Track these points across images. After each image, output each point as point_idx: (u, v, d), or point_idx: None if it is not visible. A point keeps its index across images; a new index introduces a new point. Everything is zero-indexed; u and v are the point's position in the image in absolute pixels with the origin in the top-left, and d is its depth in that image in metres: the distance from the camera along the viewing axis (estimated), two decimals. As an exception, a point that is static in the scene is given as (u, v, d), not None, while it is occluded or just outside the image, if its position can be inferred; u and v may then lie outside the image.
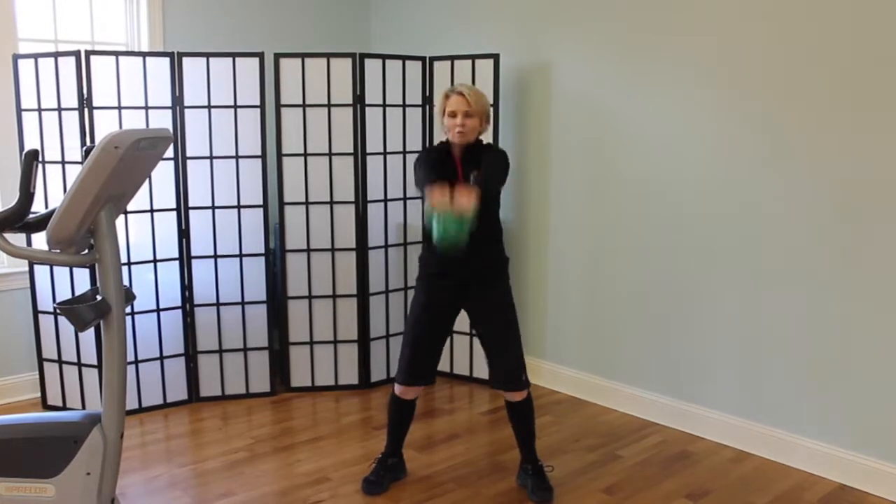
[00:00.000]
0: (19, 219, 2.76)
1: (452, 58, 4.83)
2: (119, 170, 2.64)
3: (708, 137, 4.03)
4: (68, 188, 2.65)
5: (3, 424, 3.08)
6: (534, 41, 4.79)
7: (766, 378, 3.94)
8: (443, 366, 5.13)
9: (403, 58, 4.83)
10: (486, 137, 4.61)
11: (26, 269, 4.57)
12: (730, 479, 3.76)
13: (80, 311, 2.74)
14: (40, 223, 2.99)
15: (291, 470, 3.85)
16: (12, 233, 2.88)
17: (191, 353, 4.68)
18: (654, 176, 4.27)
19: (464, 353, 5.04)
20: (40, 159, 3.15)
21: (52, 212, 2.89)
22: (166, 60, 4.45)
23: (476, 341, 4.96)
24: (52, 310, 4.50)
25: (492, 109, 3.24)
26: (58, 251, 2.78)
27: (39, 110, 4.37)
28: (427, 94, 4.93)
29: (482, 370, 4.98)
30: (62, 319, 4.47)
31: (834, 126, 3.57)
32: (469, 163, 3.40)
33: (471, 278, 3.49)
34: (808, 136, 3.66)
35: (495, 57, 4.70)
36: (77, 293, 4.34)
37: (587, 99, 4.53)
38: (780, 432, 3.91)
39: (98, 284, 2.85)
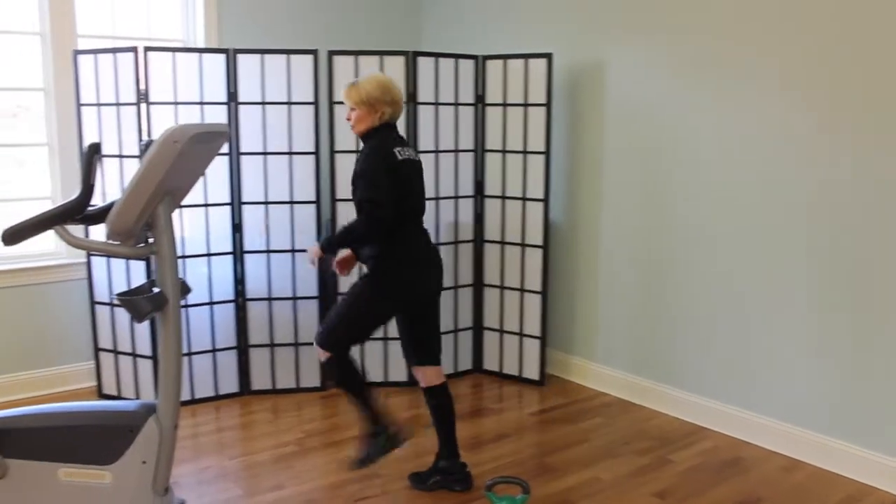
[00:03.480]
0: (80, 211, 2.81)
1: (505, 57, 4.82)
2: (177, 164, 2.67)
3: (765, 141, 3.96)
4: (129, 181, 2.68)
5: (63, 412, 3.15)
6: (587, 40, 4.75)
7: (821, 385, 3.86)
8: (491, 364, 5.12)
9: (456, 56, 4.83)
10: (537, 137, 4.60)
11: (84, 260, 4.65)
12: (783, 487, 3.69)
13: (138, 302, 2.78)
14: (99, 215, 3.04)
15: (340, 465, 3.87)
16: (73, 224, 2.93)
17: (243, 347, 4.72)
18: (708, 179, 4.22)
19: (513, 352, 5.03)
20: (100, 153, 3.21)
21: (111, 204, 2.94)
22: (222, 57, 4.50)
23: (535, 342, 4.95)
24: (108, 301, 4.58)
25: (386, 99, 3.39)
26: (117, 243, 2.83)
27: (98, 105, 4.45)
28: (479, 93, 4.92)
29: (532, 370, 4.95)
30: (118, 310, 4.55)
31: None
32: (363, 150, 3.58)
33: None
34: (865, 138, 3.58)
35: (548, 56, 4.67)
36: (132, 285, 4.42)
37: (641, 100, 4.49)
38: (834, 441, 3.84)
39: (155, 277, 2.89)
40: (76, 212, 2.81)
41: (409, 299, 3.55)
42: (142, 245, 2.87)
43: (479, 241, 5.06)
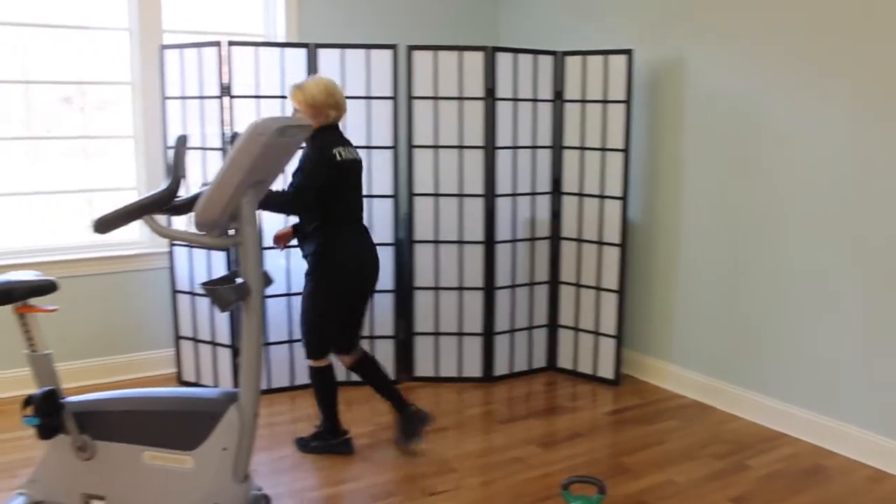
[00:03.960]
0: (168, 201, 2.87)
1: (584, 53, 4.77)
2: (262, 156, 2.71)
3: (853, 139, 3.84)
4: (216, 173, 2.73)
5: (148, 397, 3.23)
6: (667, 36, 4.67)
7: (911, 391, 3.74)
8: (565, 363, 5.09)
9: (535, 52, 4.80)
10: (616, 134, 4.54)
11: (166, 250, 4.76)
12: (868, 499, 3.57)
13: (222, 292, 2.83)
14: (186, 206, 3.10)
15: (415, 458, 3.88)
16: (160, 215, 3.00)
17: (318, 338, 4.77)
18: (794, 178, 4.11)
19: (588, 350, 4.98)
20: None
21: (197, 195, 3.00)
22: (303, 51, 4.55)
23: (611, 341, 4.90)
24: (189, 290, 4.67)
25: (329, 101, 3.58)
26: (202, 233, 2.88)
27: (182, 98, 4.54)
28: (558, 89, 4.88)
29: (607, 369, 4.90)
30: (198, 299, 4.64)
31: None
32: (307, 148, 3.78)
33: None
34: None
35: (629, 53, 4.61)
36: (213, 275, 4.51)
37: (724, 97, 4.40)
38: (924, 449, 3.72)
39: (238, 267, 2.93)
40: (165, 202, 2.87)
41: (353, 273, 3.80)
42: (226, 236, 2.93)
43: (555, 238, 5.02)
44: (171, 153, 2.93)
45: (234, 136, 3.03)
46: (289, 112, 4.49)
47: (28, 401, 3.18)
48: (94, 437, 3.19)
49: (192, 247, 4.60)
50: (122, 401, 3.26)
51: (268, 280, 3.04)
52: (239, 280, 2.89)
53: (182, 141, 2.87)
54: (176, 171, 2.86)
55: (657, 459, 3.92)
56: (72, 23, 4.65)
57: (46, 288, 3.19)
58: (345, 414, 4.40)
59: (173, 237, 2.97)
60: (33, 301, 3.20)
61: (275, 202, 3.61)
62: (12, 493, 3.37)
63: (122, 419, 3.19)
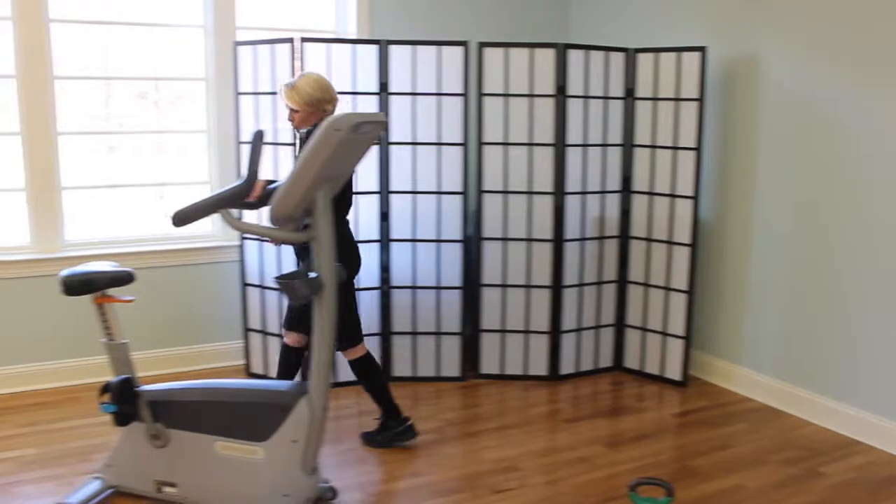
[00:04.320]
0: (245, 195, 2.92)
1: (657, 50, 4.71)
2: (338, 152, 2.74)
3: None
4: (292, 168, 2.77)
5: (221, 388, 3.29)
6: (742, 32, 4.58)
7: None
8: (632, 363, 5.04)
9: (606, 49, 4.76)
10: (688, 132, 4.47)
11: (237, 243, 4.83)
12: (947, 508, 3.48)
13: (296, 286, 2.86)
14: (260, 200, 3.15)
15: (480, 456, 3.88)
16: (236, 208, 3.05)
17: (385, 333, 4.80)
18: (871, 178, 4.00)
19: (655, 351, 4.92)
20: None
21: (272, 190, 3.04)
22: (374, 48, 4.58)
23: (679, 342, 4.84)
24: (258, 282, 4.73)
25: (325, 97, 3.61)
26: (277, 228, 2.92)
27: (255, 94, 4.60)
28: (629, 86, 4.83)
29: (674, 370, 4.84)
30: (267, 292, 4.70)
31: None
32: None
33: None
34: None
35: (702, 50, 4.54)
36: (282, 269, 4.57)
37: (799, 95, 4.30)
38: None
39: (312, 262, 2.97)
40: (241, 196, 2.92)
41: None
42: (300, 230, 2.96)
43: (624, 237, 4.97)
44: (247, 148, 2.98)
45: (309, 132, 3.06)
46: (360, 108, 4.55)
47: (105, 388, 3.27)
48: (168, 426, 3.26)
49: (262, 240, 4.66)
50: (196, 391, 3.32)
51: (340, 274, 3.07)
52: (312, 274, 2.93)
53: (259, 136, 2.91)
54: (252, 166, 2.90)
55: (725, 463, 3.85)
56: (149, 20, 4.75)
57: (125, 279, 3.27)
58: (411, 410, 4.43)
59: (248, 231, 3.02)
60: (111, 291, 3.28)
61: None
62: (88, 476, 3.46)
63: (195, 409, 3.25)
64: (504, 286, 4.83)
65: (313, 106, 3.66)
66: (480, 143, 4.70)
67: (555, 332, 4.87)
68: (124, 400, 3.23)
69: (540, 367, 4.90)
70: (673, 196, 4.73)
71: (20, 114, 4.47)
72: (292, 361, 4.00)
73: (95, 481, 3.38)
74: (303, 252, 3.83)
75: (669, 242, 4.78)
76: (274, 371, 4.75)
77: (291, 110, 3.69)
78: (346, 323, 3.81)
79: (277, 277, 2.97)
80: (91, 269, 3.25)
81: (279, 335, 4.70)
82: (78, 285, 3.18)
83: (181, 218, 2.94)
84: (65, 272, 3.21)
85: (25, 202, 4.56)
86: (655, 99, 4.75)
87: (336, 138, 2.66)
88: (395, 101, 4.62)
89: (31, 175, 4.52)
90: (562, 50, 4.64)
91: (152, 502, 3.35)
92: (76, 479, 3.55)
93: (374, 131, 2.89)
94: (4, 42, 4.41)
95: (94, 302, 3.26)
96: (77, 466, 3.69)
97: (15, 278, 4.50)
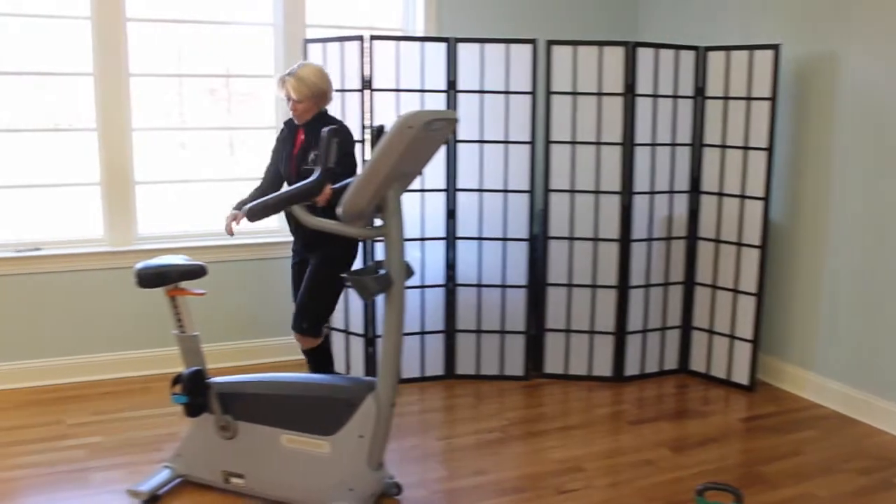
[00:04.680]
0: (319, 192, 2.94)
1: (728, 48, 4.63)
2: (410, 149, 2.74)
3: None
4: (363, 165, 2.78)
5: (290, 382, 3.32)
6: (816, 29, 4.47)
7: None
8: (698, 366, 4.96)
9: (676, 47, 4.69)
10: (760, 132, 4.40)
11: (303, 239, 4.87)
12: None
13: (366, 282, 2.88)
14: (328, 203, 3.17)
15: (543, 456, 3.86)
16: (308, 204, 3.08)
17: (450, 331, 4.81)
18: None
19: (723, 354, 4.84)
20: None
21: (343, 186, 3.06)
22: (443, 45, 4.58)
23: (747, 345, 4.74)
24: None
25: (328, 87, 3.71)
26: (348, 224, 2.94)
27: (326, 91, 4.64)
28: (699, 85, 4.76)
29: (741, 374, 4.76)
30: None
31: None
32: (310, 134, 3.74)
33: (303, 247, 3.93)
34: None
35: (776, 48, 4.45)
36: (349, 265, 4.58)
37: (877, 94, 4.18)
38: None
39: (383, 258, 2.98)
40: (315, 192, 2.95)
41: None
42: (371, 227, 2.98)
43: (692, 237, 4.90)
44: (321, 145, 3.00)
45: (380, 129, 3.08)
46: (428, 106, 4.56)
47: (177, 379, 3.33)
48: (236, 418, 3.31)
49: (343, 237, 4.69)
50: (264, 384, 3.37)
51: (409, 271, 3.08)
52: (382, 271, 2.94)
53: (332, 133, 2.93)
54: (325, 163, 2.92)
55: (795, 471, 3.77)
56: (221, 19, 4.83)
57: (196, 272, 3.33)
58: (474, 408, 4.43)
59: (320, 227, 3.04)
60: (184, 284, 3.34)
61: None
62: (158, 465, 3.53)
63: (264, 402, 3.29)
64: (570, 286, 4.80)
65: (318, 96, 3.70)
66: (548, 142, 4.68)
67: (620, 332, 4.83)
68: (195, 391, 3.29)
69: (604, 367, 4.86)
70: (743, 197, 4.65)
71: (96, 110, 4.58)
72: (320, 359, 4.05)
73: (165, 470, 3.45)
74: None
75: (739, 244, 4.70)
76: (337, 366, 4.78)
77: (294, 102, 3.69)
78: (325, 310, 3.91)
79: (347, 274, 2.99)
80: (164, 263, 3.32)
81: (344, 330, 4.74)
82: (151, 278, 3.25)
83: (255, 212, 2.99)
84: (139, 265, 3.28)
85: (100, 196, 4.67)
86: (726, 98, 4.67)
87: (409, 135, 2.66)
88: (462, 99, 4.62)
89: (107, 170, 4.63)
90: (631, 48, 4.59)
91: (220, 492, 3.40)
92: (145, 467, 3.62)
93: (445, 129, 2.89)
94: (82, 41, 4.52)
95: (167, 294, 3.33)
96: (146, 455, 3.77)
97: (90, 270, 4.62)
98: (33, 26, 4.47)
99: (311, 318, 3.88)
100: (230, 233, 3.84)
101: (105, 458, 3.75)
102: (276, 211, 3.04)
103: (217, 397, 3.32)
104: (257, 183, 4.06)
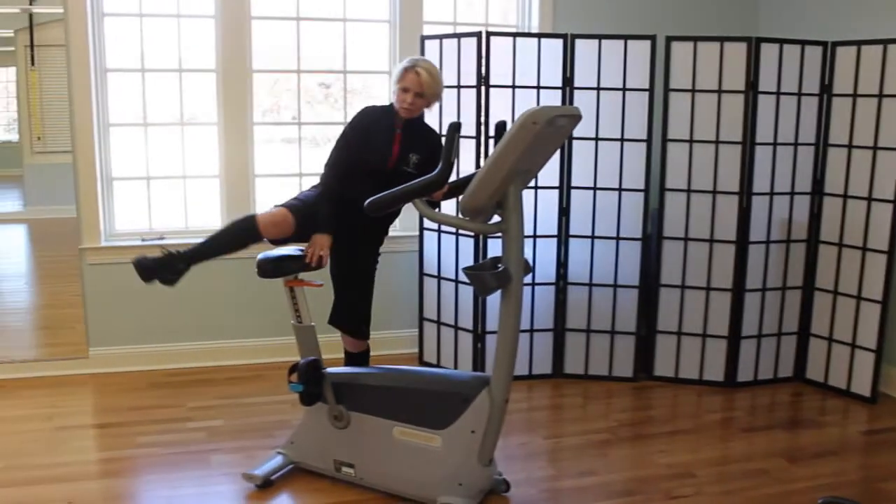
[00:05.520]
0: (440, 186, 2.96)
1: (859, 43, 4.44)
2: (533, 145, 2.73)
3: None
4: (484, 161, 2.78)
5: (403, 374, 3.36)
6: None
7: None
8: (815, 374, 4.78)
9: (802, 42, 4.54)
10: (891, 131, 4.20)
11: (416, 233, 4.90)
12: None
13: (485, 277, 2.88)
14: (454, 191, 3.18)
15: (653, 459, 3.80)
16: (428, 198, 3.09)
17: (559, 330, 4.78)
18: None
19: (842, 363, 4.65)
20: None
21: (464, 182, 3.07)
22: (559, 42, 4.55)
23: (869, 355, 4.54)
24: (435, 273, 4.80)
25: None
26: (468, 219, 2.94)
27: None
28: (826, 82, 4.59)
29: (862, 385, 4.56)
30: (444, 283, 4.75)
31: None
32: (408, 136, 3.57)
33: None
34: None
35: (911, 42, 4.26)
36: (461, 261, 4.61)
37: None
38: None
39: (502, 254, 2.97)
40: (436, 187, 2.96)
41: None
42: (491, 222, 2.97)
43: (813, 241, 4.73)
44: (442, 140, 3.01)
45: (503, 125, 3.07)
46: (544, 102, 4.53)
47: (294, 368, 3.40)
48: (349, 408, 3.36)
49: (441, 232, 4.72)
50: (378, 376, 3.41)
51: (527, 268, 3.06)
52: (501, 267, 2.93)
53: (454, 128, 2.94)
54: (447, 158, 2.93)
55: (922, 489, 3.62)
56: (338, 16, 4.91)
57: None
58: (582, 408, 4.39)
59: (441, 221, 3.06)
60: (302, 275, 3.40)
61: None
62: (270, 451, 3.61)
63: (377, 394, 3.33)
64: (683, 287, 4.70)
65: (437, 97, 3.63)
66: (665, 140, 4.59)
67: (734, 337, 4.70)
68: (311, 380, 3.35)
69: (716, 372, 4.74)
70: (870, 199, 4.46)
71: (218, 105, 4.71)
72: (362, 364, 3.93)
73: (278, 456, 3.52)
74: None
75: (863, 249, 4.51)
76: (446, 361, 4.82)
77: (416, 95, 3.49)
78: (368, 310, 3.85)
79: (466, 269, 2.99)
80: (284, 254, 3.39)
81: (453, 326, 4.75)
82: (271, 268, 3.32)
83: (376, 206, 3.01)
84: (260, 256, 3.36)
85: (219, 188, 4.80)
86: (855, 95, 4.49)
87: (533, 131, 2.65)
88: (578, 96, 4.57)
89: (227, 163, 4.76)
90: (754, 43, 4.46)
91: (330, 481, 3.46)
92: (259, 452, 3.69)
93: (568, 126, 2.87)
94: (206, 38, 4.68)
95: (286, 285, 3.40)
96: (260, 441, 3.86)
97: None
98: (162, 25, 4.66)
99: (368, 321, 3.88)
100: None
101: (223, 442, 3.86)
102: (398, 204, 3.06)
103: (331, 387, 3.37)
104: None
